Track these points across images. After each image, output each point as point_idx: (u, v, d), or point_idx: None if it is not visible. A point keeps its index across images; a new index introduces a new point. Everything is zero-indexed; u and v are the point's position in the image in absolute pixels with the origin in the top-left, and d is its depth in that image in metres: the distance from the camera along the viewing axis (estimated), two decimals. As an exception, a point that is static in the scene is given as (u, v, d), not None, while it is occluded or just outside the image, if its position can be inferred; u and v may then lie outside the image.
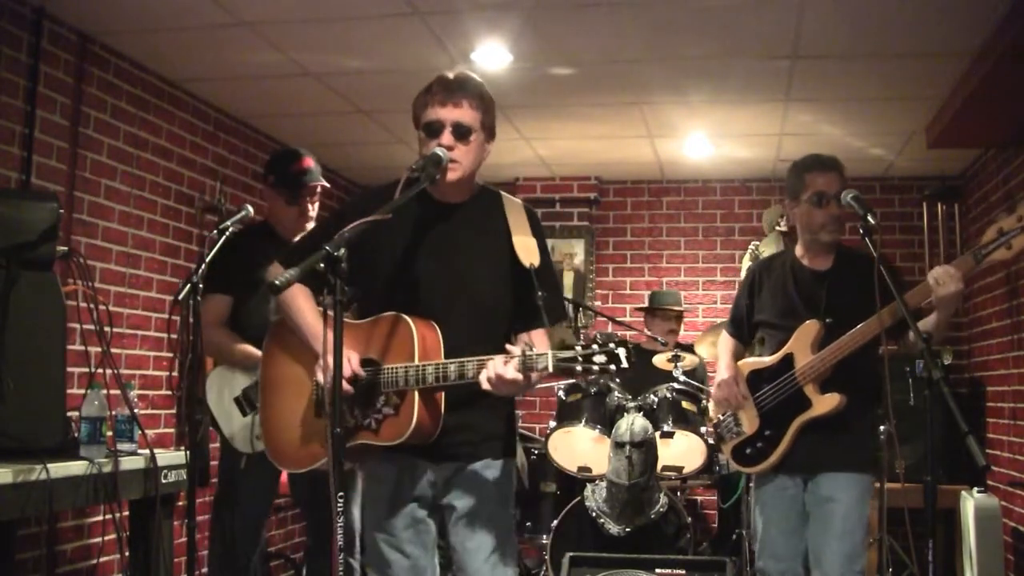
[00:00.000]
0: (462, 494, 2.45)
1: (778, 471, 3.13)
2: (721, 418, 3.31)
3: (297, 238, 3.57)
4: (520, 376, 2.17)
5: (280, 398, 2.58)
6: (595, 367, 2.09)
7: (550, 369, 2.13)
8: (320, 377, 2.39)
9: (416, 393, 2.31)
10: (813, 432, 3.05)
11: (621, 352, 2.09)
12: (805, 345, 3.05)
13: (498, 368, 2.19)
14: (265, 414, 2.63)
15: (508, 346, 2.24)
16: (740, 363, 3.29)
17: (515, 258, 2.41)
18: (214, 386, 3.40)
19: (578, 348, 2.11)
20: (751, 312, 3.30)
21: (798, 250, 3.22)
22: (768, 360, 3.18)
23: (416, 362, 2.31)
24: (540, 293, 2.29)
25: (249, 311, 3.43)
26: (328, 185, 3.57)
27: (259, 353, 3.37)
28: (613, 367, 2.09)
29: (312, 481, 2.64)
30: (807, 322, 3.06)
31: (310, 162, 3.50)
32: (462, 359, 2.27)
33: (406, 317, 2.36)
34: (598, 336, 2.14)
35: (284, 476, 3.54)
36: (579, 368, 2.10)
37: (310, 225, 3.48)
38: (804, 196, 3.07)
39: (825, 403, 3.02)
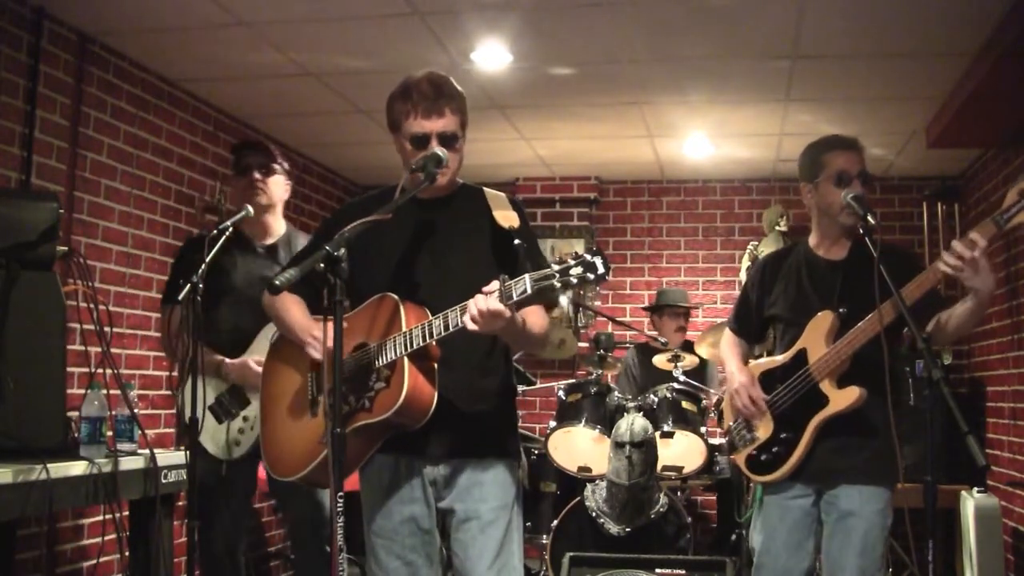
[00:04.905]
0: (461, 496, 2.41)
1: (794, 479, 2.86)
2: (732, 425, 3.04)
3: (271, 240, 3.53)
4: (501, 307, 2.12)
5: (278, 409, 2.58)
6: (573, 279, 2.03)
7: (529, 291, 2.08)
8: (314, 354, 2.39)
9: (407, 361, 2.27)
10: (832, 437, 2.80)
11: (597, 260, 2.03)
12: (819, 338, 2.80)
13: (479, 303, 2.14)
14: (265, 428, 2.62)
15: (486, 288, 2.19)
16: (751, 364, 3.03)
17: (496, 234, 2.35)
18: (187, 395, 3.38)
19: (554, 266, 2.05)
20: (761, 306, 3.02)
21: (812, 240, 2.98)
22: (780, 359, 2.92)
23: (404, 329, 2.29)
24: (517, 242, 2.24)
25: (218, 317, 3.38)
26: (284, 164, 3.55)
27: (219, 358, 3.35)
28: (591, 275, 2.03)
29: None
30: (820, 313, 2.81)
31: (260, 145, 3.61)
32: (445, 312, 2.23)
33: (391, 294, 2.36)
34: (573, 253, 2.07)
35: (262, 473, 3.52)
36: (558, 284, 2.04)
37: (263, 199, 3.41)
38: (822, 176, 2.84)
39: (843, 398, 2.75)
